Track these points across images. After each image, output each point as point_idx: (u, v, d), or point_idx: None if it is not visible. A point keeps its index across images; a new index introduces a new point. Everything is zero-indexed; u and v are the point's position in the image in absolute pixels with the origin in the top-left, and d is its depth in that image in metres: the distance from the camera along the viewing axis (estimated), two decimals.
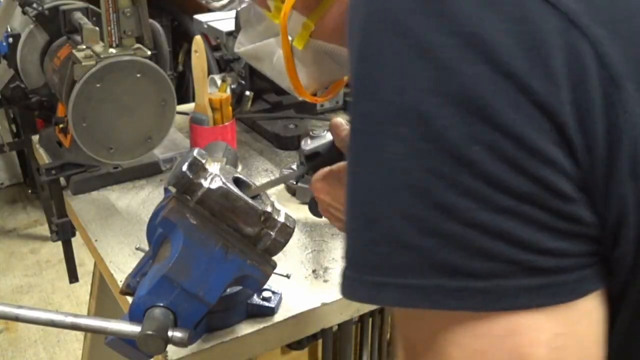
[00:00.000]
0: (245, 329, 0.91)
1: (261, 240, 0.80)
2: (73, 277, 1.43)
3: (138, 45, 1.23)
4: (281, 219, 0.81)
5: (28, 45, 1.41)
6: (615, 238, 0.38)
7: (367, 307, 1.04)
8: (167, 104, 1.25)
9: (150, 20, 1.25)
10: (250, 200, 0.79)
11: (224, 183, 0.78)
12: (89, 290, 1.58)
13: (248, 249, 0.80)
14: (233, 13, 1.51)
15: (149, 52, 1.23)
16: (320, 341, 1.06)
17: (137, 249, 1.01)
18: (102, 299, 1.47)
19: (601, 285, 0.39)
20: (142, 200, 1.25)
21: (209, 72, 1.40)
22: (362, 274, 0.40)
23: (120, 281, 0.97)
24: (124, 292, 0.87)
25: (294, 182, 1.25)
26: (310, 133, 1.06)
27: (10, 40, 1.42)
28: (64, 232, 1.31)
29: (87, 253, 1.21)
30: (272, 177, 1.32)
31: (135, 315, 0.76)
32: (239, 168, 1.30)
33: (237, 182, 0.81)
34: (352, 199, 0.41)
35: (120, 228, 1.15)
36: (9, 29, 1.44)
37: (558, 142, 0.36)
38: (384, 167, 0.38)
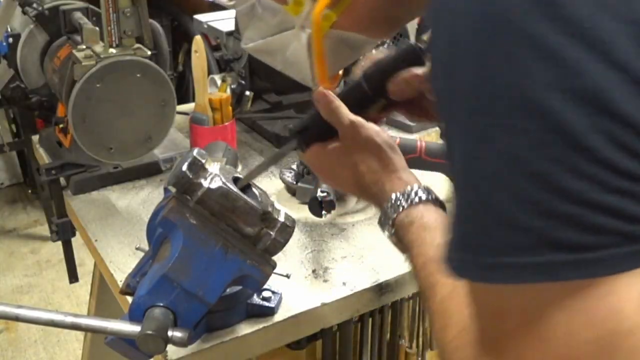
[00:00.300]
0: (245, 329, 0.91)
1: (261, 240, 0.80)
2: (73, 277, 1.43)
3: (138, 45, 1.23)
4: (281, 218, 0.82)
5: (28, 45, 1.41)
6: None
7: (367, 307, 1.04)
8: (167, 104, 1.25)
9: (150, 20, 1.25)
10: (250, 200, 0.79)
11: (223, 183, 0.78)
12: (89, 290, 1.58)
13: (248, 248, 0.80)
14: (234, 12, 1.52)
15: (149, 52, 1.23)
16: (320, 341, 1.06)
17: (137, 249, 1.01)
18: (102, 299, 1.47)
19: None
20: (142, 200, 1.25)
21: (209, 72, 1.40)
22: (477, 256, 0.44)
23: (120, 281, 0.97)
24: (124, 292, 0.87)
25: (294, 183, 1.25)
26: None
27: (10, 40, 1.42)
28: (64, 232, 1.31)
29: (87, 253, 1.21)
30: (272, 177, 1.32)
31: (135, 315, 0.76)
32: (239, 168, 1.30)
33: (237, 182, 0.81)
34: (466, 188, 0.46)
35: (120, 228, 1.15)
36: (9, 29, 1.44)
37: None
38: (503, 157, 0.42)
